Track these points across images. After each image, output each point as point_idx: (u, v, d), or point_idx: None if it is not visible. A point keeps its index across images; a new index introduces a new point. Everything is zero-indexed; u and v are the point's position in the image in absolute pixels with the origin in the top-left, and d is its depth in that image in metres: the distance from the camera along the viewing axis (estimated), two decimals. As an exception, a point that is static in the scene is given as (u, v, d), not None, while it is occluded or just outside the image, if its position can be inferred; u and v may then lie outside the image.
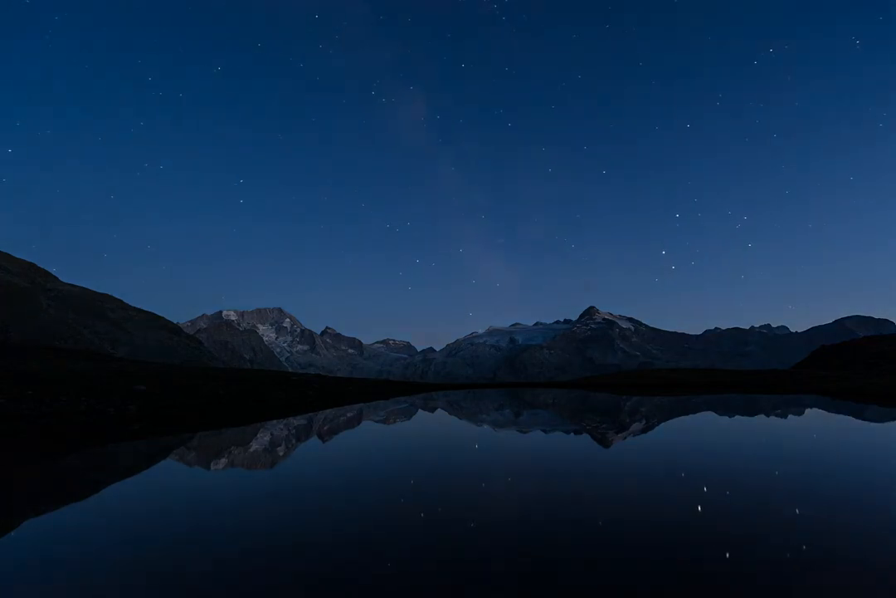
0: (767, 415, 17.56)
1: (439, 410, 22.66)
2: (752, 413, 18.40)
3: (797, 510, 4.82)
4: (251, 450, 10.35)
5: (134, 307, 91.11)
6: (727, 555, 3.72)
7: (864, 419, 15.99)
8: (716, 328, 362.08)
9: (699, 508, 5.01)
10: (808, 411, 19.43)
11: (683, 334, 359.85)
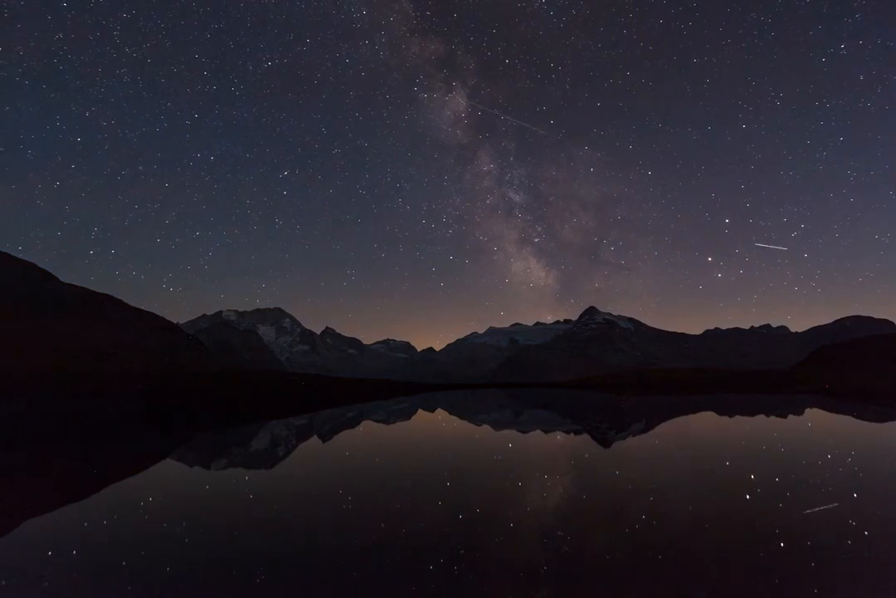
0: (767, 415, 17.56)
1: (439, 410, 22.65)
2: (751, 413, 18.40)
3: (795, 511, 4.82)
4: (251, 450, 10.34)
5: (134, 307, 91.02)
6: (731, 557, 3.72)
7: (863, 420, 15.98)
8: (716, 328, 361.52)
9: (700, 509, 5.01)
10: (807, 410, 19.42)
11: (683, 334, 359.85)
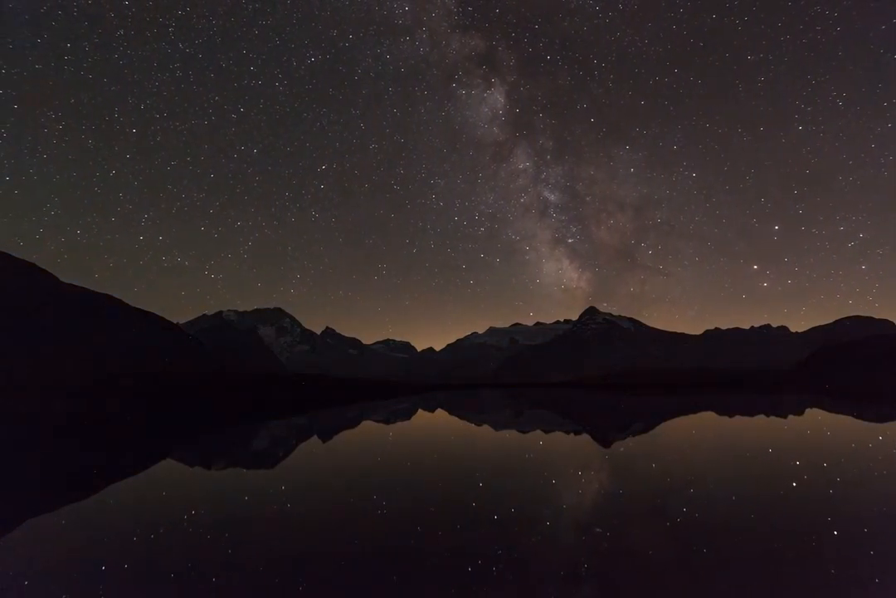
0: (767, 415, 17.56)
1: (439, 410, 22.66)
2: (751, 414, 18.40)
3: (801, 511, 4.82)
4: (251, 450, 10.34)
5: (134, 307, 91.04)
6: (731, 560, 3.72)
7: (864, 420, 15.97)
8: (716, 328, 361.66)
9: (703, 509, 5.01)
10: (807, 411, 19.42)
11: (683, 334, 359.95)
